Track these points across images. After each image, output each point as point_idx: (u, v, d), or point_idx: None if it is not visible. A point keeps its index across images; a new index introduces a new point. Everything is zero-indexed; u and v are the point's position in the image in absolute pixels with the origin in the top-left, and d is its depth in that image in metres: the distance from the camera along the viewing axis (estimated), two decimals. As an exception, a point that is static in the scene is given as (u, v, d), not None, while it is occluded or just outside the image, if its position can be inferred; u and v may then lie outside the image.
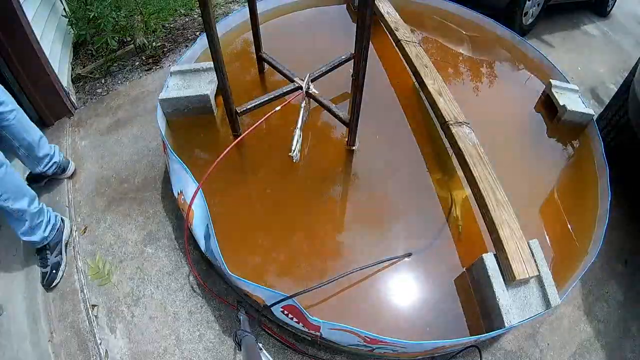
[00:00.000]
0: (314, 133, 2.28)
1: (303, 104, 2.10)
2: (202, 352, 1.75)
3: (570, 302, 2.08)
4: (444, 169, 2.14)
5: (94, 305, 1.88)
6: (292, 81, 2.20)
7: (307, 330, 1.58)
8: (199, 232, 1.74)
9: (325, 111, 2.17)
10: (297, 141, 1.98)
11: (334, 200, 2.01)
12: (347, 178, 2.12)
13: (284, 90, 2.15)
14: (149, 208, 2.22)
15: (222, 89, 1.86)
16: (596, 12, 5.01)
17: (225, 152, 1.64)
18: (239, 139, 1.83)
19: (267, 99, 2.10)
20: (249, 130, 1.88)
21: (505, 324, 1.51)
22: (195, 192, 1.65)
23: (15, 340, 1.79)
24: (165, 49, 3.34)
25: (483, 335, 1.55)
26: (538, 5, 3.95)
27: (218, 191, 1.96)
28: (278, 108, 1.99)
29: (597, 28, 4.73)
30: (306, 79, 2.16)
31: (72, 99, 2.75)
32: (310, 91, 2.14)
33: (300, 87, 2.16)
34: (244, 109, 2.04)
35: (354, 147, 2.18)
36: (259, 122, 1.87)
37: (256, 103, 2.07)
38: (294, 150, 1.96)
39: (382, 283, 1.73)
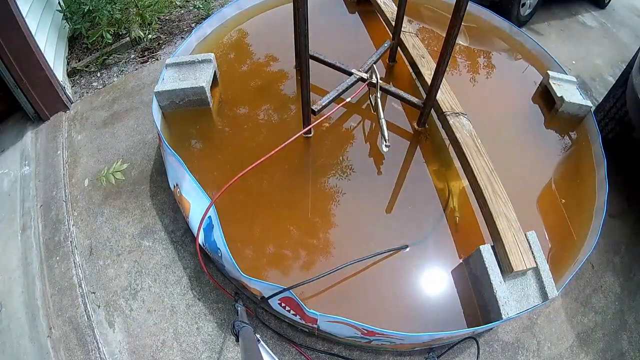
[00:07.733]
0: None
1: (379, 95, 2.11)
2: (201, 344, 1.75)
3: (568, 294, 2.09)
4: (440, 160, 2.13)
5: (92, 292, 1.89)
6: (350, 74, 2.23)
7: (304, 322, 1.58)
8: (204, 225, 1.71)
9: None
10: (386, 131, 1.98)
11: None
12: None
13: (349, 84, 2.16)
14: (145, 201, 2.21)
15: (304, 92, 1.86)
16: (594, 4, 4.98)
17: (292, 139, 1.69)
18: (308, 127, 1.95)
19: (336, 95, 2.10)
20: (318, 120, 1.97)
21: (503, 316, 1.51)
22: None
23: (14, 336, 1.79)
24: (161, 41, 3.31)
25: (480, 326, 1.56)
26: (536, -4, 3.92)
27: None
28: (348, 99, 2.09)
29: (595, 19, 4.70)
30: (369, 71, 2.20)
31: (67, 93, 2.73)
32: (374, 81, 2.15)
33: (363, 79, 2.19)
34: (319, 107, 2.02)
35: (421, 129, 2.23)
36: (328, 114, 1.98)
37: (329, 100, 2.06)
38: (387, 140, 1.96)
39: (379, 275, 1.73)
